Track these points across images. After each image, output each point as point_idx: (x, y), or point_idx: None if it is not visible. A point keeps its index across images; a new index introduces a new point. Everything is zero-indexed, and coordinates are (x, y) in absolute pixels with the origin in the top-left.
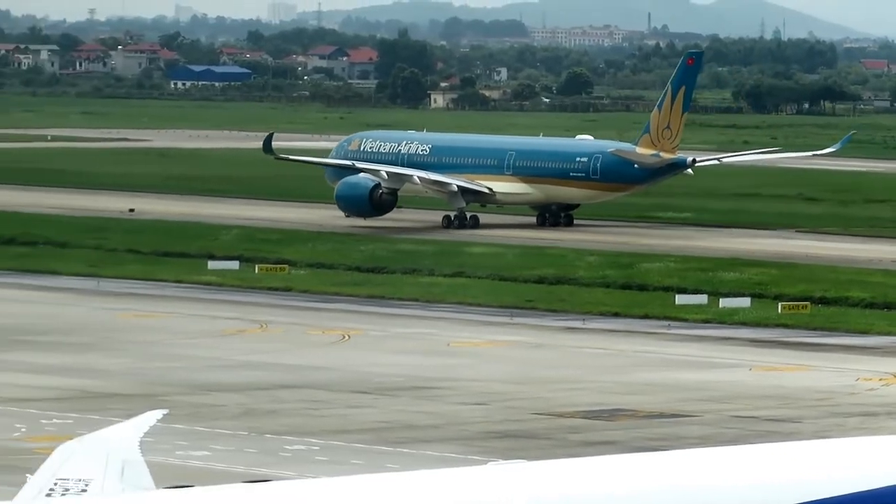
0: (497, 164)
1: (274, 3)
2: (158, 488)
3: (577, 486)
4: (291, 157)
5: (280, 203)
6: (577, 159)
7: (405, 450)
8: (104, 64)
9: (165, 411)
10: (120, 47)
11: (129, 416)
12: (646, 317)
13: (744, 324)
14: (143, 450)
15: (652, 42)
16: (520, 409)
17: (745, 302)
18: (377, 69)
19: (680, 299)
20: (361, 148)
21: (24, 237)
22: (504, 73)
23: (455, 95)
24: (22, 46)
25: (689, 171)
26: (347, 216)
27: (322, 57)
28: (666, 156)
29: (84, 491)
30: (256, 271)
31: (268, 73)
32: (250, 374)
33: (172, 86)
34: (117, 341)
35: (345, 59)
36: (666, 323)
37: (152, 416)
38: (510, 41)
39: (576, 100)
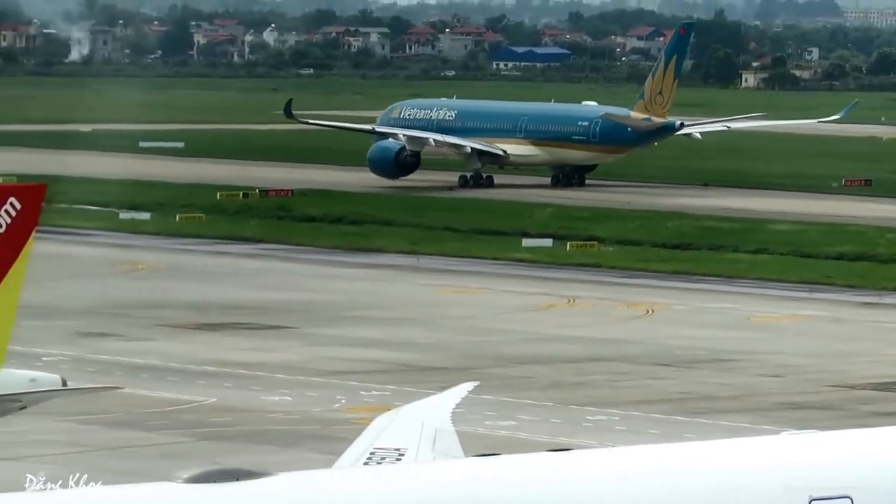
0: (511, 128)
1: None
2: (467, 456)
3: (863, 454)
4: (312, 121)
5: (593, 181)
6: (579, 123)
7: (702, 420)
8: (433, 47)
9: (477, 383)
10: (448, 30)
11: (443, 388)
12: None
13: None
14: (454, 420)
15: None
16: (815, 381)
17: None
18: (692, 49)
19: None
20: (401, 115)
21: (351, 216)
22: (815, 52)
23: (766, 75)
24: (352, 29)
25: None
26: (384, 177)
27: (640, 38)
28: (657, 120)
29: (399, 460)
30: (568, 248)
31: (586, 53)
32: (559, 347)
33: (495, 67)
34: (435, 316)
35: (661, 39)
36: None
37: (464, 388)
38: (823, 21)
39: (884, 80)
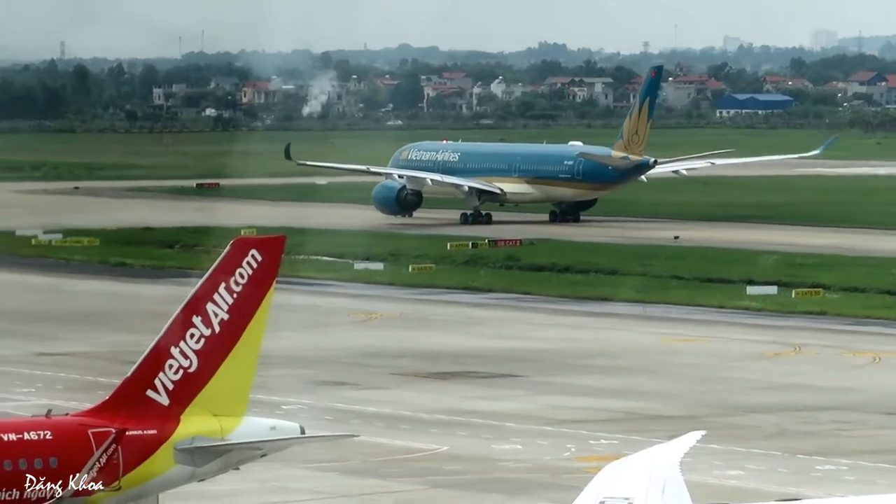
0: (507, 168)
1: (817, 30)
2: None
3: None
4: (309, 162)
5: (818, 227)
6: (565, 163)
7: None
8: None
9: (704, 432)
10: (671, 78)
11: (670, 436)
12: None
13: None
14: (682, 469)
15: None
16: None
17: None
18: None
19: None
20: (409, 157)
21: (579, 265)
22: None
23: None
24: (577, 80)
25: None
26: (388, 214)
27: (861, 83)
28: (634, 158)
29: None
30: (793, 295)
31: (808, 100)
32: (785, 395)
33: (717, 114)
34: (661, 365)
35: (883, 84)
36: None
37: (692, 437)
38: None
39: None
